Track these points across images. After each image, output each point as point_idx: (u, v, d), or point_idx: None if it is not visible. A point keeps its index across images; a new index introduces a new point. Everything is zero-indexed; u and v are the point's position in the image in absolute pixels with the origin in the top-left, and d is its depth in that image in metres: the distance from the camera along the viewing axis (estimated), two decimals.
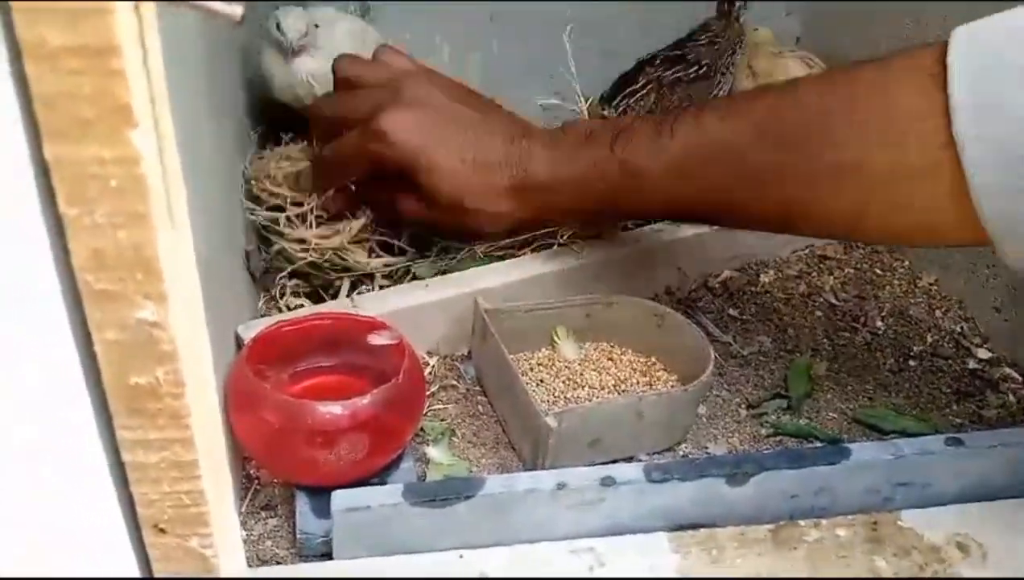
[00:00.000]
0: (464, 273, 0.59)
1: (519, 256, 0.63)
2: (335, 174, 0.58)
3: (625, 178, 0.51)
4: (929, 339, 0.67)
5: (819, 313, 0.70)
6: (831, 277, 0.73)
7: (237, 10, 0.21)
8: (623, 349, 0.60)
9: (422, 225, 0.59)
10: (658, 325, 0.59)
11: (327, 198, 0.58)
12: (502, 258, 0.62)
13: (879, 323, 0.68)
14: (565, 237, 0.63)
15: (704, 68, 0.78)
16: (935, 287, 0.72)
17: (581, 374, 0.57)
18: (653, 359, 0.60)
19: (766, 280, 0.72)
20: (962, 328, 0.68)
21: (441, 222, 0.57)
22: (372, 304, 0.55)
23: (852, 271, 0.74)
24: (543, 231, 0.62)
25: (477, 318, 0.56)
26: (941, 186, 0.39)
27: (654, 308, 0.60)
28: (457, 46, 0.79)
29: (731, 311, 0.68)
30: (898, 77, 0.42)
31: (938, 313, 0.69)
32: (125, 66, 0.22)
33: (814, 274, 0.73)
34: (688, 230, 0.68)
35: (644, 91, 0.77)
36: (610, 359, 0.59)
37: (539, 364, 0.58)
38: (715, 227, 0.66)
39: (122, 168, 0.23)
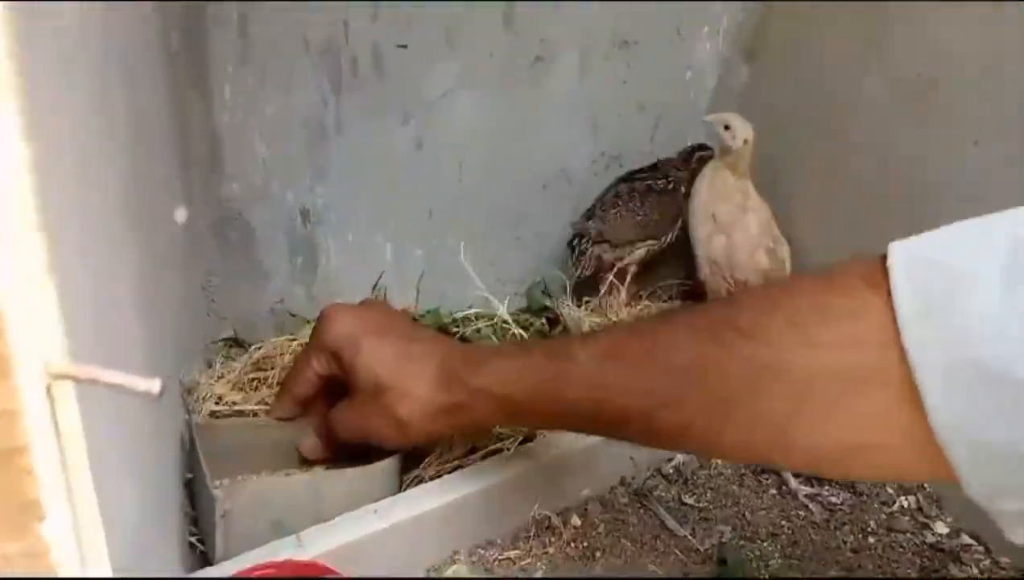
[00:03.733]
0: (411, 492, 0.58)
1: (468, 466, 0.62)
2: (288, 377, 0.60)
3: (556, 363, 0.48)
4: (884, 514, 0.67)
5: (773, 491, 0.69)
6: None
7: (155, 386, 0.21)
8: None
9: (348, 430, 0.56)
10: None
11: (273, 404, 0.60)
12: (453, 470, 0.61)
13: (833, 499, 0.68)
14: (515, 445, 0.63)
15: (673, 184, 0.86)
16: None
17: None
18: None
19: (719, 461, 0.72)
20: (917, 499, 0.68)
21: (361, 416, 0.54)
22: (320, 539, 0.53)
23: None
24: (493, 446, 0.62)
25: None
26: (882, 393, 0.37)
27: None
28: (399, 244, 0.80)
29: (687, 499, 0.68)
30: (838, 282, 0.40)
31: (889, 487, 0.70)
32: (33, 463, 0.21)
33: None
34: None
35: (614, 194, 0.85)
36: None
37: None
38: None
39: (29, 560, 0.22)
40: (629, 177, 0.87)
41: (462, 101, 0.76)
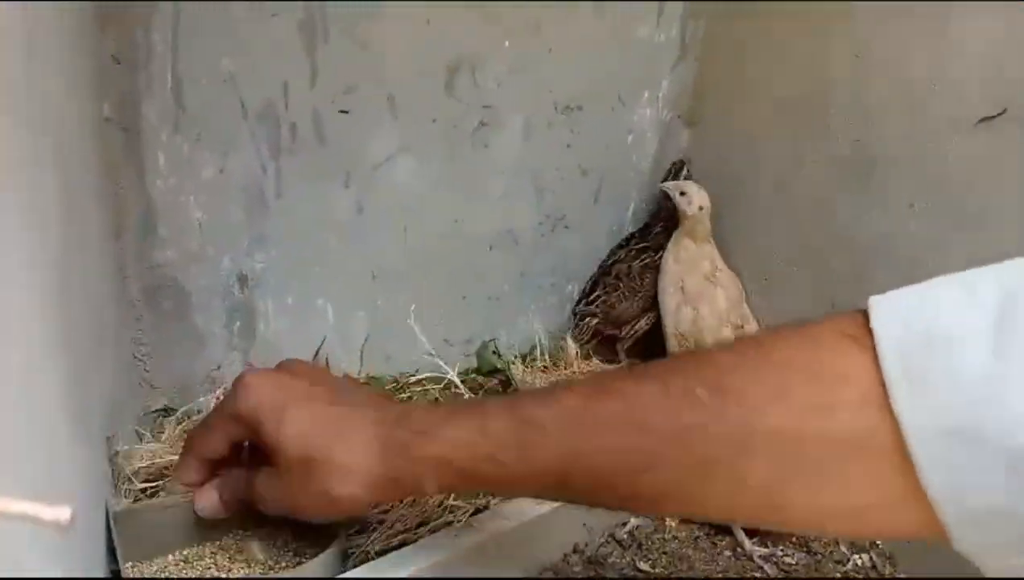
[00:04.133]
0: (356, 572, 0.55)
1: (416, 540, 0.59)
2: (195, 437, 0.53)
3: (518, 428, 0.44)
4: (840, 573, 0.66)
5: (727, 553, 0.68)
6: None
7: (64, 515, 0.19)
8: (284, 529, 0.58)
9: (274, 506, 0.50)
10: None
11: (179, 466, 0.54)
12: (399, 545, 0.59)
13: (788, 560, 0.68)
14: (466, 516, 0.60)
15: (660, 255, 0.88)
16: None
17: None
18: (311, 537, 0.57)
19: (672, 523, 0.71)
20: (871, 557, 0.68)
21: (289, 493, 0.48)
22: None
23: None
24: (439, 519, 0.60)
25: None
26: (873, 456, 0.35)
27: None
28: (341, 307, 0.79)
29: (642, 564, 0.66)
30: (824, 340, 0.38)
31: (842, 546, 0.69)
32: None
33: None
34: None
35: (614, 277, 0.89)
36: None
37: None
38: None
39: None
40: (625, 245, 0.91)
41: (405, 166, 0.76)
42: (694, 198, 0.83)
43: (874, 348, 0.35)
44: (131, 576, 0.50)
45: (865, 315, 0.36)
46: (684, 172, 0.89)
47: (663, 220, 0.89)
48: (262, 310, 0.75)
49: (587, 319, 0.90)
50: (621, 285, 0.88)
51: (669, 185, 0.86)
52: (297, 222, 0.72)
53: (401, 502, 0.60)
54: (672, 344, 0.84)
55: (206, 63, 0.63)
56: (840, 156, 0.75)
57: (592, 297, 0.90)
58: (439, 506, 0.62)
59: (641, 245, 0.90)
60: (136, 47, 0.60)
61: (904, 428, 0.34)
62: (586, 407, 0.43)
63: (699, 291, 0.83)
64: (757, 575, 0.66)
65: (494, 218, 0.85)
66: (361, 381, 0.78)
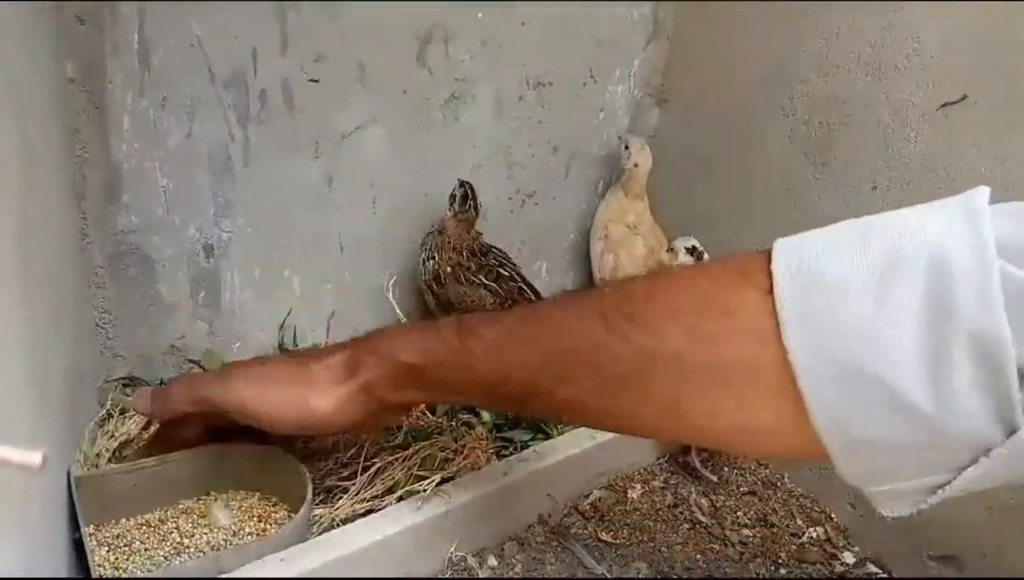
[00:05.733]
0: (322, 538, 0.56)
1: (383, 508, 0.60)
2: (159, 402, 0.56)
3: (462, 338, 0.49)
4: (795, 545, 0.68)
5: (687, 526, 0.70)
6: (693, 486, 0.74)
7: (35, 459, 0.19)
8: (248, 493, 0.60)
9: (255, 412, 0.54)
10: (276, 468, 0.59)
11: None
12: (366, 513, 0.59)
13: (746, 532, 0.69)
14: (432, 486, 0.61)
15: None
16: (791, 485, 0.75)
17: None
18: (275, 499, 0.60)
19: (634, 495, 0.72)
20: (826, 530, 0.70)
21: (272, 403, 0.53)
22: None
23: (716, 479, 0.75)
24: (410, 487, 0.60)
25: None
26: (764, 383, 0.39)
27: (270, 452, 0.59)
28: (308, 278, 0.78)
29: (604, 536, 0.67)
30: (718, 275, 0.43)
31: (798, 519, 0.71)
32: None
33: (679, 483, 0.74)
34: (553, 457, 0.68)
35: None
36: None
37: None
38: (579, 449, 0.66)
39: None
40: None
41: (375, 136, 0.76)
42: (633, 154, 0.86)
43: (771, 288, 0.38)
44: (91, 543, 0.50)
45: (769, 256, 0.40)
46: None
47: None
48: (228, 280, 0.74)
49: None
50: None
51: (627, 136, 0.89)
52: (265, 191, 0.72)
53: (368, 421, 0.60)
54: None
55: (174, 26, 0.62)
56: (806, 137, 0.76)
57: None
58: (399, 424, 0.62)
59: None
60: (101, 7, 0.58)
61: (793, 365, 0.37)
62: (519, 327, 0.48)
63: (620, 239, 0.87)
64: (715, 547, 0.68)
65: None
66: None
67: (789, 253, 0.39)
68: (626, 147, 0.86)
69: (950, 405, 0.34)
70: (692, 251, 0.80)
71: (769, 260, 0.39)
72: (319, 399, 0.52)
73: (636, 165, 0.85)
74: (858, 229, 0.39)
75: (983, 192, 0.37)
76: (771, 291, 0.38)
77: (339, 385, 0.52)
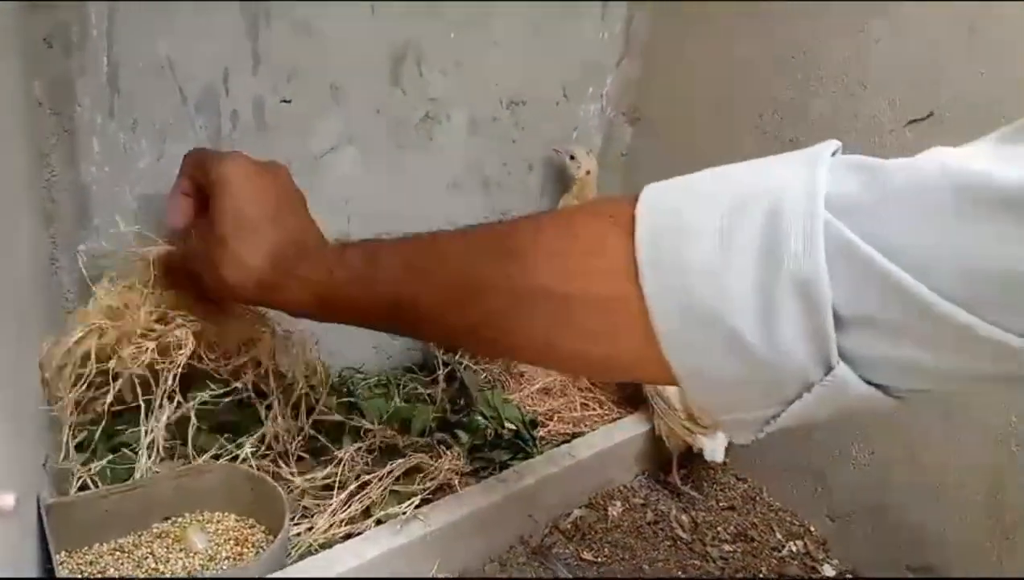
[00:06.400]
0: (300, 565, 0.55)
1: (362, 531, 0.59)
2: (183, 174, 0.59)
3: (365, 262, 0.52)
4: (775, 559, 0.68)
5: (668, 542, 0.70)
6: (673, 502, 0.74)
7: (8, 502, 0.18)
8: (223, 514, 0.59)
9: (191, 249, 0.58)
10: (251, 489, 0.59)
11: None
12: (346, 536, 0.58)
13: (726, 547, 0.69)
14: (412, 507, 0.60)
15: None
16: (770, 499, 0.75)
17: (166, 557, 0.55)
18: (251, 521, 0.59)
19: (615, 513, 0.72)
20: (805, 543, 0.70)
21: (202, 248, 0.56)
22: None
23: (696, 495, 0.75)
24: (385, 511, 0.60)
25: None
26: (625, 319, 0.41)
27: (246, 472, 0.59)
28: None
29: (586, 554, 0.67)
30: (586, 218, 0.46)
31: (778, 533, 0.71)
32: None
33: (659, 499, 0.74)
34: (533, 476, 0.67)
35: None
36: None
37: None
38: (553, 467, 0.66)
39: None
40: None
41: (349, 156, 0.75)
42: (583, 163, 0.86)
43: (633, 229, 0.41)
44: (63, 570, 0.49)
45: (636, 198, 0.42)
46: None
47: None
48: None
49: None
50: None
51: (561, 148, 0.88)
52: None
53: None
54: None
55: (143, 47, 0.61)
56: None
57: None
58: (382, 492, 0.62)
59: None
60: (68, 29, 0.58)
61: (648, 302, 0.39)
62: (416, 255, 0.51)
63: None
64: (696, 563, 0.68)
65: (439, 211, 0.84)
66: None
67: (652, 196, 0.42)
68: (572, 157, 0.86)
69: (777, 344, 0.36)
70: None
71: (635, 203, 0.42)
72: (231, 272, 0.54)
73: (588, 172, 0.86)
74: (714, 175, 0.42)
75: (831, 145, 0.39)
76: (633, 233, 0.40)
77: (261, 270, 0.54)
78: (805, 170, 0.37)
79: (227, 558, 0.56)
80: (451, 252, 0.50)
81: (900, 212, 0.34)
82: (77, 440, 0.61)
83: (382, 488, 0.62)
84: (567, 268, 0.44)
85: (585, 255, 0.43)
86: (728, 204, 0.38)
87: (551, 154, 0.88)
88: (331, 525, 0.59)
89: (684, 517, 0.72)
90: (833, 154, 0.39)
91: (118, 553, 0.55)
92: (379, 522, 0.60)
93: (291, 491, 0.61)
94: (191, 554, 0.55)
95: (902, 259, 0.33)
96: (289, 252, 0.55)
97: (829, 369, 0.36)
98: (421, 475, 0.64)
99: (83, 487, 0.58)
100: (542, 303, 0.44)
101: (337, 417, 0.68)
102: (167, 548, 0.56)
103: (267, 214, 0.56)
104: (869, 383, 0.36)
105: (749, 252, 0.37)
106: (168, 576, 0.54)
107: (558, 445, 0.72)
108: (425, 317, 0.50)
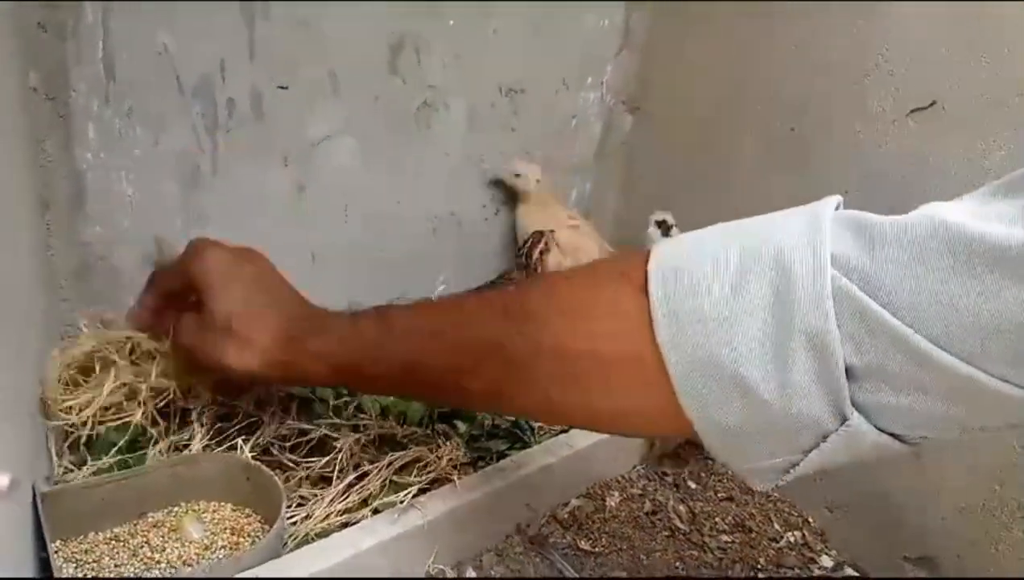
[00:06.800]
0: (296, 553, 0.55)
1: (359, 521, 0.59)
2: (152, 283, 0.61)
3: (378, 331, 0.53)
4: (773, 550, 0.68)
5: (666, 533, 0.70)
6: (671, 493, 0.74)
7: (2, 482, 0.18)
8: (220, 504, 0.59)
9: (188, 341, 0.58)
10: (248, 478, 0.58)
11: (134, 310, 0.60)
12: (343, 526, 0.58)
13: (724, 538, 0.69)
14: (408, 497, 0.60)
15: None
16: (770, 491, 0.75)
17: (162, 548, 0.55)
18: (248, 511, 0.59)
19: (612, 503, 0.72)
20: (803, 534, 0.70)
21: (203, 340, 0.56)
22: None
23: (694, 486, 0.75)
24: (387, 499, 0.59)
25: None
26: (644, 373, 0.42)
27: (242, 461, 0.59)
28: None
29: (583, 544, 0.67)
30: (603, 278, 0.46)
31: (776, 523, 0.71)
32: None
33: (656, 489, 0.74)
34: (530, 466, 0.67)
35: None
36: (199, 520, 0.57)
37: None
38: (556, 457, 0.66)
39: None
40: None
41: (346, 145, 0.75)
42: (530, 174, 0.85)
43: (646, 286, 0.42)
44: (58, 559, 0.48)
45: (647, 256, 0.43)
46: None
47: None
48: None
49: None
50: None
51: (502, 173, 0.86)
52: (234, 201, 0.71)
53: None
54: None
55: (139, 34, 0.61)
56: (778, 144, 0.77)
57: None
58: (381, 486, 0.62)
59: None
60: (64, 15, 0.57)
61: (664, 357, 0.41)
62: (428, 318, 0.52)
63: (572, 242, 0.86)
64: (694, 554, 0.68)
65: (437, 200, 0.84)
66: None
67: (664, 253, 0.43)
68: (517, 175, 0.85)
69: (790, 395, 0.37)
70: (660, 225, 0.80)
71: (647, 261, 0.43)
72: (241, 359, 0.54)
73: (538, 181, 0.85)
74: (724, 231, 0.43)
75: (831, 201, 0.41)
76: (647, 289, 0.42)
77: (271, 351, 0.54)
78: (808, 228, 0.39)
79: (223, 547, 0.55)
80: (464, 314, 0.51)
81: (896, 271, 0.35)
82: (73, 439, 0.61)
83: (381, 479, 0.62)
84: (584, 328, 0.45)
85: (601, 314, 0.44)
86: (737, 259, 0.40)
87: (504, 177, 0.87)
88: (328, 515, 0.59)
89: (682, 507, 0.72)
90: (837, 208, 0.41)
91: (114, 542, 0.55)
92: (376, 512, 0.60)
93: (288, 481, 0.61)
94: (187, 543, 0.55)
95: (904, 315, 0.34)
96: (295, 330, 0.55)
97: (844, 419, 0.37)
98: (420, 465, 0.64)
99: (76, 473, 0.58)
100: (559, 362, 0.45)
101: (336, 420, 0.68)
102: (163, 537, 0.55)
103: (263, 300, 0.57)
104: (882, 431, 0.37)
105: (761, 306, 0.38)
106: (168, 575, 0.54)
107: (556, 435, 0.72)
108: (442, 380, 0.51)
